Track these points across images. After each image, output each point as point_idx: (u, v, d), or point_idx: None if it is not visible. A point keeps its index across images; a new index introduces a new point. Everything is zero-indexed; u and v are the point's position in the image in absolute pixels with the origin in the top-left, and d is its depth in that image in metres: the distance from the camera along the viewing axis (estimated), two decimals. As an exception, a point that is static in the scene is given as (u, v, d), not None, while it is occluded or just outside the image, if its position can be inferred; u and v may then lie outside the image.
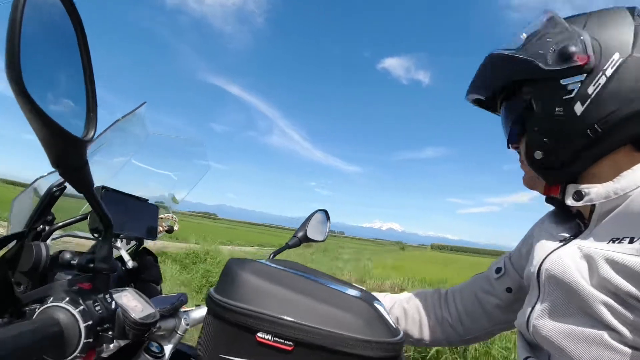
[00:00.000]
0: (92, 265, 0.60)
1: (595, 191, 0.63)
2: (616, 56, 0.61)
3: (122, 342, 0.62)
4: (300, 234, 1.11)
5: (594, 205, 0.64)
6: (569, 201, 0.67)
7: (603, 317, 0.54)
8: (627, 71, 0.60)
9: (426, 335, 0.97)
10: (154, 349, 0.72)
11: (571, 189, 0.67)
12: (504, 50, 0.71)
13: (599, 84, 0.61)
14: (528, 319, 0.66)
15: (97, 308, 0.57)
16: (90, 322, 0.55)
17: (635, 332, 0.52)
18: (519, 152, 0.76)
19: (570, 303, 0.59)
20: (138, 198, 0.91)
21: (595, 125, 0.62)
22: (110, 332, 0.58)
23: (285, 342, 0.54)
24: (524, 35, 0.70)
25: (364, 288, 0.84)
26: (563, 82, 0.63)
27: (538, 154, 0.68)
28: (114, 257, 0.69)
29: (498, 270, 0.90)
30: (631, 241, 0.55)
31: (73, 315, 0.54)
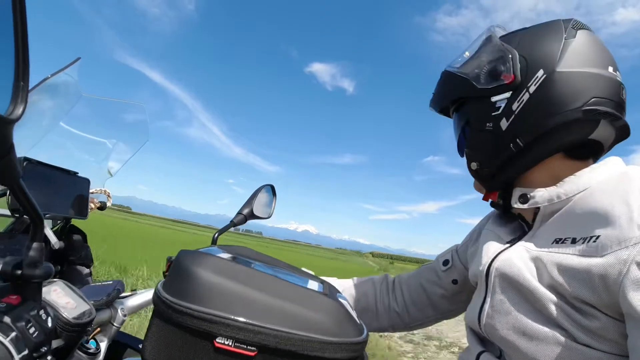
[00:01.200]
0: (19, 271, 0.47)
1: (540, 195, 0.66)
2: (540, 72, 0.63)
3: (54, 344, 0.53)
4: (246, 211, 1.05)
5: (537, 208, 0.67)
6: (515, 204, 0.69)
7: (555, 317, 0.57)
8: (550, 86, 0.62)
9: (373, 321, 0.99)
10: (88, 345, 0.64)
11: (517, 192, 0.69)
12: (451, 68, 0.76)
13: (522, 100, 0.64)
14: (479, 316, 0.68)
15: (32, 330, 0.46)
16: (25, 353, 0.44)
17: (586, 332, 0.55)
18: None
19: (523, 302, 0.62)
20: (66, 171, 0.78)
21: (518, 139, 0.65)
22: (44, 349, 0.47)
23: (248, 347, 0.49)
24: (467, 54, 0.75)
25: (322, 278, 0.82)
26: (493, 99, 0.68)
27: (474, 165, 0.74)
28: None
29: (445, 262, 0.94)
30: (573, 242, 0.58)
31: (4, 346, 0.42)
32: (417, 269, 1.01)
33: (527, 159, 0.67)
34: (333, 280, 1.06)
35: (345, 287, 1.03)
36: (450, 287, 0.91)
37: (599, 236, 0.55)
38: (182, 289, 0.52)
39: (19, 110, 0.32)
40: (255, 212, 1.05)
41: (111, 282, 0.75)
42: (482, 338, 0.71)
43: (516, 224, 0.76)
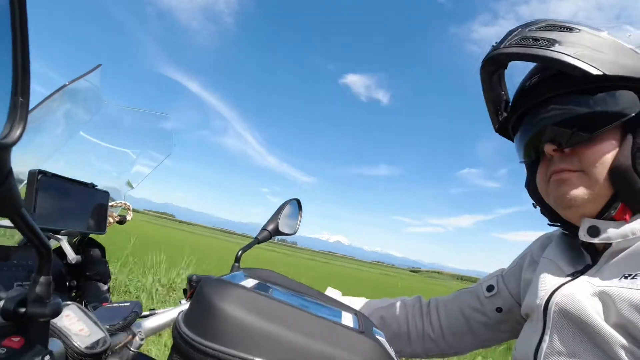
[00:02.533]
0: (23, 309, 0.40)
1: (612, 230, 0.59)
2: None
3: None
4: (271, 227, 0.99)
5: (608, 243, 0.61)
6: (584, 237, 0.62)
7: (621, 359, 0.51)
8: None
9: (405, 347, 0.92)
10: (99, 375, 0.59)
11: (586, 223, 0.62)
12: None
13: None
14: (536, 356, 0.61)
15: None
16: None
17: None
18: (563, 154, 0.63)
19: (586, 342, 0.55)
20: (84, 183, 0.74)
21: None
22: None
23: None
24: None
25: (355, 309, 0.75)
26: None
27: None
28: (53, 248, 0.49)
29: (490, 288, 0.86)
30: None
31: None
32: (455, 292, 0.94)
33: None
34: (361, 301, 0.99)
35: (375, 308, 0.97)
36: (493, 314, 0.84)
37: None
38: (204, 324, 0.47)
39: (17, 131, 0.26)
40: (281, 228, 1.00)
41: (128, 303, 0.70)
42: None
43: (580, 256, 0.68)
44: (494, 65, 0.67)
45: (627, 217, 0.60)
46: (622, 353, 0.51)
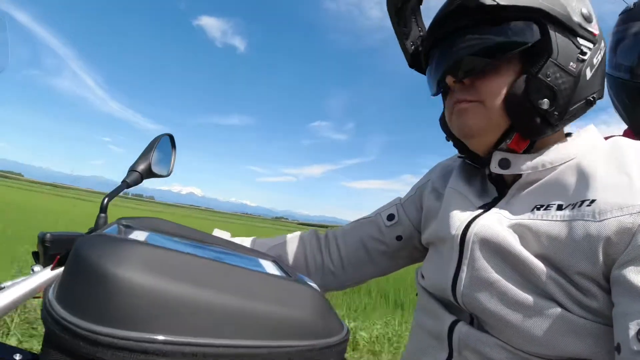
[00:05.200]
0: None
1: (523, 162, 0.62)
2: (603, 44, 0.63)
3: None
4: (141, 167, 0.79)
5: (517, 175, 0.63)
6: (495, 169, 0.63)
7: (547, 288, 0.53)
8: (603, 63, 0.64)
9: None
10: None
11: (497, 155, 0.63)
12: None
13: (599, 58, 0.62)
14: (454, 286, 0.61)
15: None
16: None
17: (580, 305, 0.52)
18: (462, 84, 0.63)
19: (509, 270, 0.56)
20: None
21: (593, 95, 0.62)
22: None
23: None
24: None
25: (268, 255, 0.65)
26: (580, 41, 0.60)
27: (545, 103, 0.58)
28: None
29: (390, 217, 0.86)
30: (560, 208, 0.55)
31: None
32: (352, 223, 0.92)
33: (576, 116, 0.63)
34: (254, 241, 0.92)
35: (270, 246, 0.91)
36: (393, 243, 0.85)
37: (594, 200, 0.53)
38: (95, 302, 0.31)
39: None
40: (154, 169, 0.81)
41: None
42: (452, 306, 0.64)
43: (484, 186, 0.70)
44: None
45: (523, 146, 0.62)
46: (546, 281, 0.53)
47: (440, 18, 0.63)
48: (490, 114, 0.61)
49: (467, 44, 0.61)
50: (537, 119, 0.59)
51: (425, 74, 0.74)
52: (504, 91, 0.59)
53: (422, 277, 0.73)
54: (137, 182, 0.78)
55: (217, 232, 0.86)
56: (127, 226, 0.50)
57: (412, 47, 0.73)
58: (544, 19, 0.57)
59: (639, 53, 0.97)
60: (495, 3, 0.56)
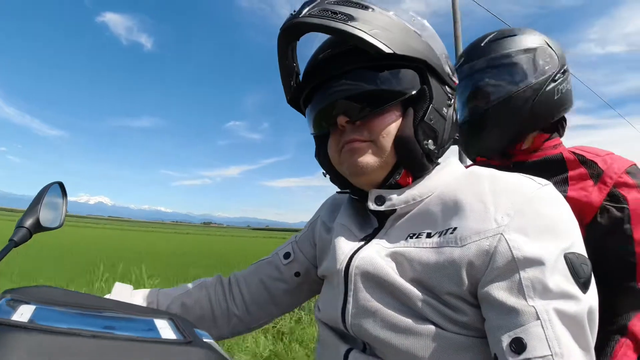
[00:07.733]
0: None
1: (395, 197, 0.67)
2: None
3: None
4: (29, 222, 0.75)
5: (394, 209, 0.69)
6: (372, 205, 0.69)
7: (422, 311, 0.58)
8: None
9: (211, 329, 0.88)
10: None
11: (373, 194, 0.69)
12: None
13: (456, 104, 0.75)
14: (343, 316, 0.66)
15: None
16: None
17: (453, 322, 0.58)
18: (352, 125, 0.68)
19: (388, 298, 0.61)
20: None
21: (457, 135, 0.75)
22: None
23: None
24: None
25: (168, 313, 0.66)
26: (446, 88, 0.70)
27: (430, 143, 0.67)
28: None
29: (287, 255, 0.90)
30: (429, 236, 0.62)
31: None
32: (253, 264, 0.94)
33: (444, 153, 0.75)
34: (157, 293, 0.88)
35: (174, 297, 0.88)
36: (292, 280, 0.88)
37: (455, 228, 0.59)
38: None
39: None
40: (43, 222, 0.77)
41: None
42: (345, 335, 0.68)
43: (366, 218, 0.76)
44: (293, 34, 0.66)
45: (409, 181, 0.69)
46: (420, 304, 0.58)
47: (327, 58, 0.68)
48: (381, 152, 0.66)
49: (359, 88, 0.66)
50: (423, 158, 0.67)
51: (301, 111, 0.79)
52: (394, 132, 0.66)
53: (319, 309, 0.76)
54: (25, 239, 0.74)
55: (119, 287, 0.83)
56: (14, 300, 0.48)
57: (294, 85, 0.75)
58: (425, 68, 0.67)
59: (462, 103, 1.14)
60: (392, 51, 0.61)
